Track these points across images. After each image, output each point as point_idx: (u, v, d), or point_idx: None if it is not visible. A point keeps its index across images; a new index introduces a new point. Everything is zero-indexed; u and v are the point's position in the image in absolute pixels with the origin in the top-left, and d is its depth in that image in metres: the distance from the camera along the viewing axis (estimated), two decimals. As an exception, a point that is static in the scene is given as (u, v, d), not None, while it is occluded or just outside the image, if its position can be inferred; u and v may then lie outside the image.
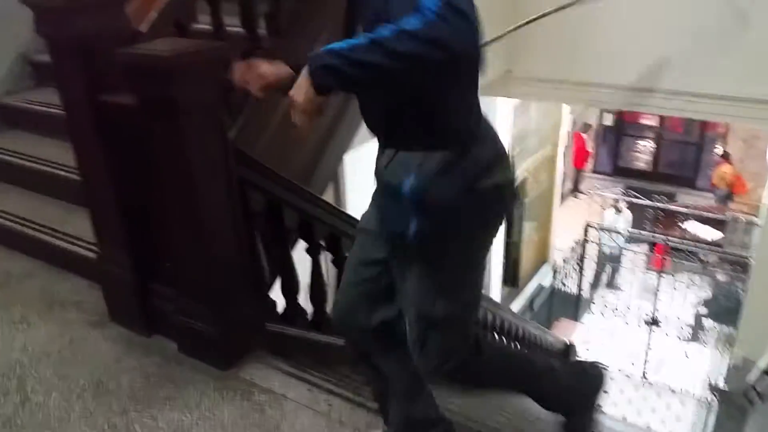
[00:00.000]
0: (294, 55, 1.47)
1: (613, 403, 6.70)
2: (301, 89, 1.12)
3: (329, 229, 2.25)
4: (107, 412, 1.66)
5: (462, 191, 1.24)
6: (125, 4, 1.68)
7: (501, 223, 1.38)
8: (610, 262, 8.92)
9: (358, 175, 3.84)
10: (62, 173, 2.42)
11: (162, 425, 1.62)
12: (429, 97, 1.21)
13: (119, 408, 1.67)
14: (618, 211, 8.87)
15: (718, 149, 10.67)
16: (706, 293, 8.30)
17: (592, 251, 8.66)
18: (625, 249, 8.85)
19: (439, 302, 1.31)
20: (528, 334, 3.76)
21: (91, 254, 2.14)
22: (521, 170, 7.18)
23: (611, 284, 9.11)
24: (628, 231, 8.73)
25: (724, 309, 7.76)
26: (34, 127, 2.78)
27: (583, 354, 6.55)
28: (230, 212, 1.80)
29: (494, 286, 7.11)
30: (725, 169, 9.81)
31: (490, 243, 1.39)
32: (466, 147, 1.24)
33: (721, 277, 8.29)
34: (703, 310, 8.08)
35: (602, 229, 8.64)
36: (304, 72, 1.12)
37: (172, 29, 1.77)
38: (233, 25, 2.05)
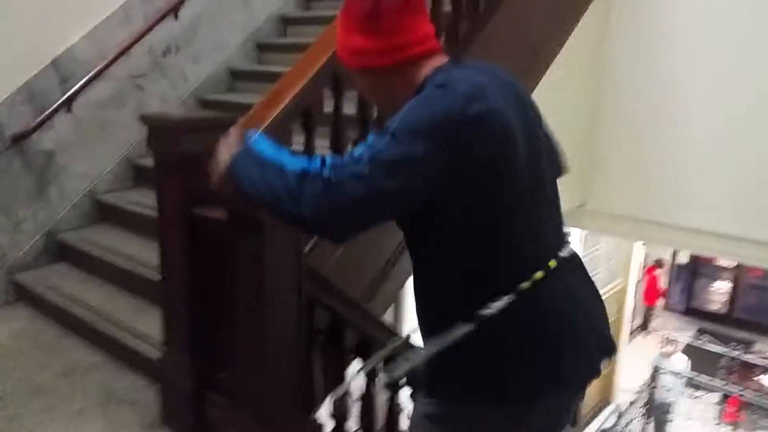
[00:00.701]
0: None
1: None
2: (220, 161, 1.23)
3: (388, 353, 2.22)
4: None
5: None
6: (229, 127, 1.82)
7: None
8: (659, 412, 7.87)
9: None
10: (141, 270, 2.53)
11: None
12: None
13: None
14: (666, 356, 7.89)
15: (802, 299, 10.02)
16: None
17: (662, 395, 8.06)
18: (685, 398, 8.11)
19: None
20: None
21: (154, 354, 2.18)
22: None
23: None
24: (699, 377, 8.11)
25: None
26: (124, 223, 2.97)
27: None
28: (295, 328, 1.81)
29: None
30: (810, 321, 9.16)
31: None
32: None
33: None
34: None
35: (673, 373, 8.08)
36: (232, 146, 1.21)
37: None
38: (323, 147, 2.18)
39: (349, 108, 2.26)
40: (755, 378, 8.87)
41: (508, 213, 1.15)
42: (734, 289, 11.11)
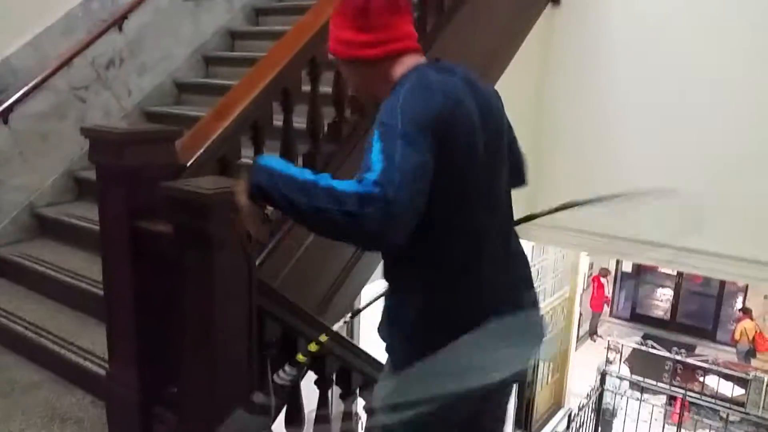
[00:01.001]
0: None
1: None
2: (241, 195, 1.24)
3: (341, 363, 2.23)
4: None
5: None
6: (174, 140, 1.81)
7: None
8: (606, 416, 8.17)
9: (373, 309, 3.82)
10: (84, 285, 2.46)
11: None
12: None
13: None
14: (609, 362, 8.31)
15: (739, 303, 10.53)
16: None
17: (609, 399, 8.29)
18: (632, 401, 8.35)
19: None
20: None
21: (99, 370, 2.12)
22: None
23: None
24: (645, 381, 8.38)
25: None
26: (65, 238, 2.89)
27: None
28: (246, 342, 1.80)
29: (505, 429, 6.80)
30: (747, 324, 9.61)
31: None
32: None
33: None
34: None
35: (619, 377, 8.32)
36: (245, 179, 1.24)
37: (216, 165, 1.88)
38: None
39: (299, 122, 2.28)
40: (698, 379, 9.24)
41: (466, 199, 1.34)
42: (676, 295, 11.57)
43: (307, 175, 1.19)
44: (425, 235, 1.30)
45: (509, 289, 1.47)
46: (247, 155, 2.12)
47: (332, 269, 2.50)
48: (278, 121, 2.19)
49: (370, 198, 1.11)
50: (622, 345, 9.18)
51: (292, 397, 2.10)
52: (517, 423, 7.21)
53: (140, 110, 3.53)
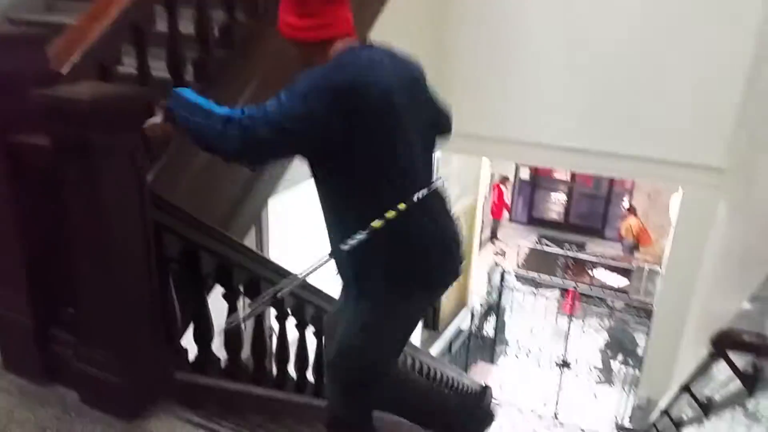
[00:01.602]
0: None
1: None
2: (157, 114, 1.57)
3: (248, 275, 2.23)
4: (-4, 470, 1.55)
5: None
6: (46, 44, 1.65)
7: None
8: (503, 310, 9.06)
9: (281, 220, 3.83)
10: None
11: (57, 483, 1.52)
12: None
13: (10, 466, 1.56)
14: (497, 265, 9.11)
15: (625, 203, 11.43)
16: (614, 337, 8.74)
17: (508, 296, 8.94)
18: (528, 296, 9.08)
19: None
20: (445, 377, 3.81)
21: (-13, 300, 2.00)
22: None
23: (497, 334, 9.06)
24: (540, 277, 9.09)
25: (629, 352, 8.19)
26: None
27: (498, 395, 6.70)
28: (143, 257, 1.75)
29: (415, 330, 7.19)
30: (631, 221, 10.49)
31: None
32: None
33: (626, 322, 8.77)
34: (610, 353, 8.48)
35: (517, 277, 8.95)
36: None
37: (94, 72, 1.74)
38: (160, 69, 2.05)
39: (188, 27, 2.13)
40: (588, 273, 10.13)
41: (389, 158, 1.57)
42: (569, 199, 12.36)
43: (202, 100, 1.50)
44: (358, 188, 1.59)
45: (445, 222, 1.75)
46: (129, 63, 1.98)
47: (236, 180, 2.44)
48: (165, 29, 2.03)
49: (231, 122, 1.44)
50: (519, 246, 9.81)
51: (200, 313, 2.10)
52: (425, 324, 7.63)
53: (5, 18, 3.14)
